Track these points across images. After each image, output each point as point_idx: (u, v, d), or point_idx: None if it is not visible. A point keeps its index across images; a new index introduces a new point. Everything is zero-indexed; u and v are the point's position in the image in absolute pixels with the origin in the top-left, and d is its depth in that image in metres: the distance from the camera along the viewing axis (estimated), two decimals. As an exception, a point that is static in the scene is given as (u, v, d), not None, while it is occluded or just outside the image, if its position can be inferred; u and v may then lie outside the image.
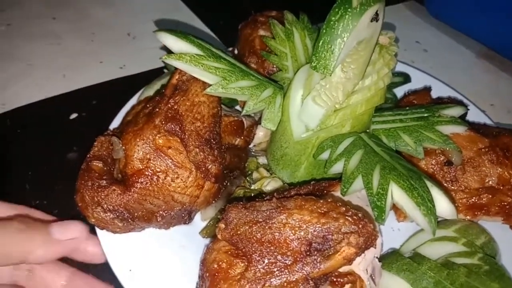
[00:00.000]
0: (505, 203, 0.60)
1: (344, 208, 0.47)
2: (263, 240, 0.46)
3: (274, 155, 0.69)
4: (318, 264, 0.44)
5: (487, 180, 0.61)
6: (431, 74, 0.89)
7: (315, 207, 0.47)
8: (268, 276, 0.45)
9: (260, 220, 0.47)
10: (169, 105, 0.59)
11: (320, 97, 0.61)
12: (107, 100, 0.76)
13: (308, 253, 0.45)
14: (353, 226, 0.45)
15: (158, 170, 0.56)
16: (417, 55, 1.08)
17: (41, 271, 0.54)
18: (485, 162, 0.62)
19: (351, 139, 0.59)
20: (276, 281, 0.45)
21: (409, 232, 0.64)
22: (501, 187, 0.60)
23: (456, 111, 0.66)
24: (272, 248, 0.46)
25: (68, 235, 0.54)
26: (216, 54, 0.62)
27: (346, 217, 0.46)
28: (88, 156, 0.59)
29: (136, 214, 0.57)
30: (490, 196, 0.61)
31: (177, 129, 0.58)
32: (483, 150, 0.62)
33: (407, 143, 0.62)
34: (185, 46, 0.61)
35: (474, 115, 0.78)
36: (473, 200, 0.61)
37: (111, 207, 0.55)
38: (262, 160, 0.74)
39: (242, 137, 0.68)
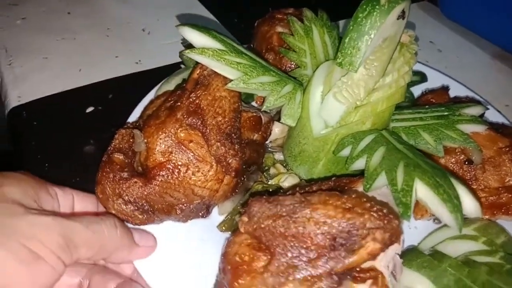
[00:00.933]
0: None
1: (369, 204, 0.47)
2: (286, 234, 0.46)
3: (292, 151, 0.69)
4: (342, 259, 0.44)
5: (507, 180, 0.61)
6: (447, 74, 0.89)
7: (339, 202, 0.47)
8: (291, 270, 0.45)
9: (284, 214, 0.47)
10: (191, 99, 0.59)
11: (341, 93, 0.61)
12: (123, 94, 0.76)
13: (332, 247, 0.45)
14: (378, 222, 0.45)
15: (179, 163, 0.56)
16: (432, 55, 1.08)
17: (100, 273, 0.53)
18: (506, 161, 0.61)
19: (373, 136, 0.59)
20: (299, 275, 0.45)
21: (426, 230, 0.64)
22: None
23: (475, 110, 0.66)
24: (295, 242, 0.46)
25: (147, 242, 0.55)
26: (238, 49, 0.62)
27: (371, 213, 0.46)
28: (109, 148, 0.59)
29: (156, 207, 0.57)
30: (510, 195, 0.61)
31: (198, 123, 0.58)
32: (503, 149, 0.62)
33: (427, 141, 0.62)
34: (208, 41, 0.61)
35: (491, 115, 0.77)
36: (492, 199, 0.61)
37: (132, 199, 0.55)
38: (278, 156, 0.74)
39: (260, 133, 0.68)
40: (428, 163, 0.53)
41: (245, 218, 0.49)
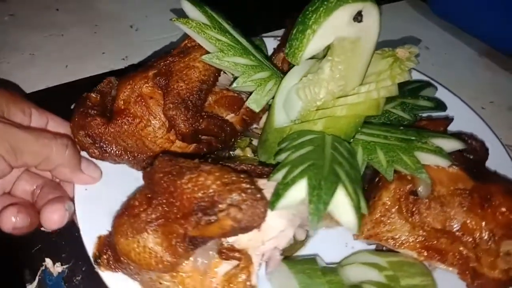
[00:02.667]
0: (462, 255, 0.53)
1: (246, 186, 0.48)
2: (167, 190, 0.50)
3: (260, 139, 0.71)
4: (197, 225, 0.47)
5: (449, 224, 0.55)
6: (432, 73, 0.85)
7: (223, 176, 0.49)
8: (157, 222, 0.49)
9: (174, 173, 0.51)
10: (166, 62, 0.65)
11: (302, 90, 0.61)
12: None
13: (195, 212, 0.47)
14: (241, 202, 0.46)
15: (135, 114, 0.63)
16: (420, 53, 1.07)
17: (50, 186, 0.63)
18: (455, 204, 0.55)
19: (312, 137, 0.58)
20: (160, 228, 0.48)
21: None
22: (463, 237, 0.54)
23: (450, 144, 0.59)
24: (170, 198, 0.49)
25: (91, 172, 0.63)
26: (223, 28, 0.66)
27: (241, 193, 0.47)
28: (93, 88, 0.69)
29: (111, 147, 0.64)
30: (449, 242, 0.54)
31: (163, 84, 0.64)
32: (461, 192, 0.56)
33: (380, 161, 0.59)
34: (198, 15, 0.66)
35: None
36: (430, 240, 0.56)
37: (92, 134, 0.64)
38: (256, 142, 0.76)
39: (237, 114, 0.71)
40: (338, 172, 0.50)
41: (147, 169, 0.54)
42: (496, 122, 0.82)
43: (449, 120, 0.69)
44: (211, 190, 0.47)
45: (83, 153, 0.65)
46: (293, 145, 0.57)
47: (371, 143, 0.61)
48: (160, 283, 0.50)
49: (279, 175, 0.51)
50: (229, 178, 0.49)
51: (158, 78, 0.64)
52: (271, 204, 0.47)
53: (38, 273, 0.62)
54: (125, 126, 0.63)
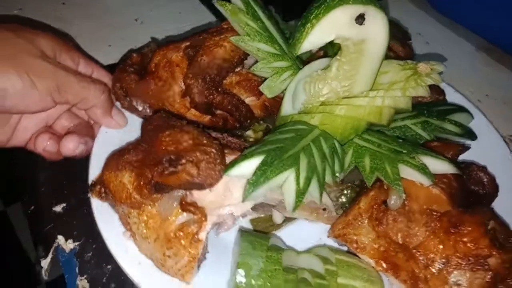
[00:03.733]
0: (414, 274, 0.52)
1: (211, 150, 0.53)
2: (151, 140, 0.57)
3: (274, 125, 0.74)
4: (162, 173, 0.53)
5: (409, 240, 0.54)
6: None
7: (197, 137, 0.55)
8: (135, 164, 0.56)
9: (164, 128, 0.58)
10: (200, 38, 0.72)
11: (308, 84, 0.64)
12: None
13: (162, 162, 0.53)
14: (201, 161, 0.51)
15: (161, 77, 0.71)
16: (419, 47, 1.10)
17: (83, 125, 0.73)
18: (422, 222, 0.54)
19: (300, 127, 0.61)
20: (135, 170, 0.55)
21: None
22: (419, 256, 0.52)
23: (440, 166, 0.57)
24: (151, 147, 0.56)
25: (119, 119, 0.73)
26: (256, 15, 0.71)
27: (204, 153, 0.52)
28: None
29: (137, 102, 0.73)
30: (405, 258, 0.53)
31: (191, 55, 0.71)
32: (431, 212, 0.54)
33: (364, 166, 0.60)
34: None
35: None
36: (390, 253, 0.55)
37: (124, 87, 0.73)
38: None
39: (258, 98, 0.76)
40: (300, 160, 0.53)
41: (146, 122, 0.61)
42: (492, 115, 0.86)
43: (463, 147, 0.66)
44: (181, 147, 0.53)
45: (117, 104, 0.75)
46: (279, 130, 0.60)
47: (362, 148, 0.62)
48: (129, 218, 0.57)
49: (248, 150, 0.55)
50: (201, 140, 0.54)
51: (188, 50, 0.71)
52: (225, 169, 0.51)
53: (51, 250, 0.65)
54: (151, 87, 0.72)
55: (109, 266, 0.62)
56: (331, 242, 0.64)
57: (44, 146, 0.66)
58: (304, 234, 0.65)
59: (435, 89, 0.83)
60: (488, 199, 0.64)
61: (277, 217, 0.65)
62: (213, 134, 0.60)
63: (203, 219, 0.54)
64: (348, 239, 0.59)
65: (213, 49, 0.71)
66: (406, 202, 0.56)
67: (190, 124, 0.59)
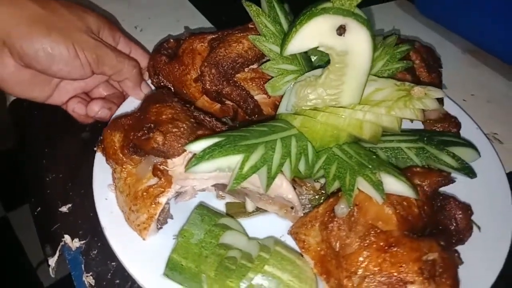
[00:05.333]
0: (339, 283, 0.54)
1: (183, 125, 0.60)
2: (143, 109, 0.66)
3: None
4: (139, 137, 0.61)
5: (343, 249, 0.55)
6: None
7: (177, 113, 0.63)
8: (125, 127, 0.65)
9: (153, 100, 0.66)
10: (225, 33, 0.80)
11: (300, 87, 0.68)
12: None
13: (143, 128, 0.61)
14: (169, 132, 0.59)
15: (183, 62, 0.80)
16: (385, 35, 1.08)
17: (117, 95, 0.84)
18: (359, 235, 0.55)
19: (278, 124, 0.65)
20: (124, 132, 0.65)
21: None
22: (344, 266, 0.54)
23: (400, 187, 0.58)
24: (140, 115, 0.65)
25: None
26: (277, 19, 0.76)
27: (174, 127, 0.59)
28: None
29: (163, 81, 0.83)
30: (335, 266, 0.55)
31: (213, 45, 0.78)
32: (372, 227, 0.55)
33: (329, 172, 0.62)
34: (264, 3, 0.78)
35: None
36: (327, 258, 0.57)
37: (155, 67, 0.83)
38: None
39: (269, 97, 0.81)
40: (255, 149, 0.57)
41: (148, 94, 0.70)
42: (477, 113, 0.92)
43: (446, 180, 0.64)
44: (161, 118, 0.61)
45: (149, 81, 0.86)
46: (259, 123, 0.65)
47: (335, 156, 0.64)
48: (115, 172, 0.67)
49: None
50: (179, 116, 0.61)
51: (212, 41, 0.79)
52: (187, 144, 0.57)
53: (58, 248, 0.67)
54: (175, 70, 0.81)
55: (113, 263, 0.64)
56: (291, 240, 0.67)
57: (73, 107, 0.78)
58: (270, 227, 0.68)
59: (450, 120, 0.80)
60: (459, 238, 0.62)
61: (249, 205, 0.70)
62: (202, 115, 0.67)
63: (168, 185, 0.61)
64: (298, 238, 0.61)
65: (232, 43, 0.77)
66: (355, 213, 0.57)
67: (191, 106, 0.66)
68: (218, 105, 0.80)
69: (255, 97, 0.80)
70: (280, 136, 0.62)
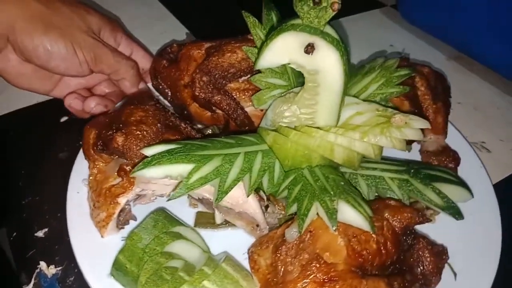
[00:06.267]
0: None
1: (147, 129, 0.60)
2: (121, 108, 0.67)
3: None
4: (106, 135, 0.62)
5: (283, 275, 0.52)
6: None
7: (148, 116, 0.63)
8: (101, 125, 0.67)
9: (133, 101, 0.67)
10: (223, 42, 0.80)
11: (279, 102, 0.66)
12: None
13: (112, 126, 0.63)
14: (131, 134, 0.59)
15: (179, 68, 0.80)
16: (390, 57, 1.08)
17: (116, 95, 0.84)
18: (303, 263, 0.52)
19: (249, 137, 0.63)
20: (99, 128, 0.66)
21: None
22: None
23: (355, 217, 0.54)
24: (116, 114, 0.66)
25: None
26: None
27: (137, 129, 0.60)
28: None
29: (161, 84, 0.84)
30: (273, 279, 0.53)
31: (209, 53, 0.78)
32: (319, 258, 0.52)
33: (292, 194, 0.60)
34: (264, 15, 0.77)
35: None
36: (272, 280, 0.55)
37: (156, 69, 0.85)
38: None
39: (261, 110, 0.79)
40: (209, 160, 0.56)
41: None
42: (463, 121, 0.92)
43: (419, 219, 0.59)
44: (130, 119, 0.62)
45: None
46: (229, 135, 0.64)
47: (302, 178, 0.61)
48: (88, 168, 0.68)
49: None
50: (148, 118, 0.62)
51: (209, 49, 0.79)
52: (144, 148, 0.57)
53: (34, 275, 0.65)
54: (171, 74, 0.82)
55: (91, 290, 0.60)
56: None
57: (70, 103, 0.81)
58: (235, 243, 0.67)
59: (448, 154, 0.75)
60: (425, 282, 0.57)
61: (218, 218, 0.68)
62: (178, 121, 0.67)
63: (129, 187, 0.62)
64: (251, 257, 0.59)
65: (226, 53, 0.77)
66: (306, 239, 0.54)
67: (183, 111, 0.68)
68: (209, 113, 0.80)
69: (247, 109, 0.79)
70: (245, 150, 0.60)
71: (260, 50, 0.60)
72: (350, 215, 0.54)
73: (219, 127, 0.82)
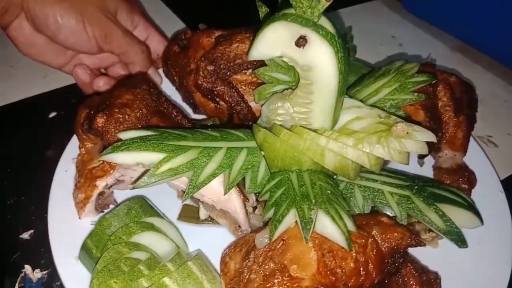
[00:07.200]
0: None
1: (130, 114, 0.59)
2: (111, 90, 0.65)
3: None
4: (91, 115, 0.61)
5: (246, 283, 0.49)
6: None
7: (134, 100, 0.61)
8: (92, 106, 0.65)
9: (124, 84, 0.65)
10: (234, 31, 0.76)
11: (274, 98, 0.62)
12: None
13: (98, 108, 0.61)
14: (112, 115, 0.58)
15: (187, 55, 0.78)
16: (392, 49, 1.12)
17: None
18: (265, 272, 0.48)
19: (237, 132, 0.60)
20: (88, 110, 0.65)
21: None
22: None
23: (333, 231, 0.49)
24: (107, 96, 0.65)
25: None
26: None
27: (120, 113, 0.58)
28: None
29: (170, 70, 0.82)
30: None
31: (219, 41, 0.75)
32: (285, 268, 0.48)
33: (273, 197, 0.55)
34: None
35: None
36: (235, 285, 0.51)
37: (168, 55, 0.83)
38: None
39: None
40: (191, 155, 0.53)
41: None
42: None
43: (411, 241, 0.53)
44: (117, 101, 0.61)
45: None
46: (215, 129, 0.61)
47: (287, 181, 0.57)
48: (78, 147, 0.67)
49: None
50: (134, 102, 0.61)
51: (218, 38, 0.76)
52: (121, 131, 0.55)
53: (18, 280, 0.62)
54: (180, 61, 0.80)
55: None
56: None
57: (78, 72, 0.81)
58: (217, 241, 0.63)
59: (463, 174, 0.67)
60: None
61: (202, 213, 0.65)
62: (171, 108, 0.65)
63: (109, 171, 0.60)
64: (223, 259, 0.56)
65: (234, 43, 0.74)
66: (277, 247, 0.50)
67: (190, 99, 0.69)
68: (212, 105, 0.77)
69: (251, 103, 0.76)
70: (229, 146, 0.57)
71: (253, 40, 0.56)
72: (327, 227, 0.49)
73: (216, 119, 0.79)
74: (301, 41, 0.49)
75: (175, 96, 0.84)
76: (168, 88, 0.86)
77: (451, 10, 1.08)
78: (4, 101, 0.90)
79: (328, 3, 0.47)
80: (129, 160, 0.51)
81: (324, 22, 0.49)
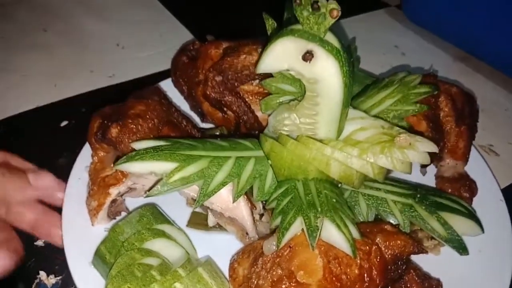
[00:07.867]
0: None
1: (143, 125, 0.61)
2: (126, 102, 0.68)
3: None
4: (105, 126, 0.63)
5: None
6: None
7: (146, 111, 0.63)
8: (105, 116, 0.68)
9: (138, 97, 0.68)
10: (242, 43, 0.78)
11: (281, 108, 0.64)
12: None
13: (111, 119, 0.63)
14: (126, 126, 0.60)
15: (195, 66, 0.80)
16: (395, 59, 1.14)
17: (17, 207, 0.65)
18: (272, 279, 0.50)
19: (245, 142, 0.62)
20: (102, 120, 0.67)
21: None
22: None
23: (338, 238, 0.51)
24: (121, 108, 0.67)
25: (41, 182, 0.69)
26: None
27: (133, 124, 0.60)
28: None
29: (180, 80, 0.85)
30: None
31: (227, 52, 0.78)
32: (292, 274, 0.50)
33: (279, 205, 0.57)
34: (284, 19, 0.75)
35: None
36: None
37: (177, 65, 0.85)
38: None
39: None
40: (197, 160, 0.55)
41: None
42: None
43: (414, 247, 0.55)
44: (130, 112, 0.63)
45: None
46: (224, 138, 0.63)
47: (294, 190, 0.59)
48: (91, 156, 0.69)
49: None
50: (146, 113, 0.63)
51: (226, 49, 0.79)
52: (136, 141, 0.57)
53: (33, 286, 0.63)
54: (188, 71, 0.82)
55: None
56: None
57: None
58: (225, 248, 0.65)
59: (465, 182, 0.69)
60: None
61: (210, 220, 0.67)
62: (180, 118, 0.67)
63: (122, 179, 0.62)
64: (231, 265, 0.58)
65: (241, 54, 0.76)
66: (284, 254, 0.52)
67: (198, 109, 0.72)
68: (219, 114, 0.79)
69: (257, 113, 0.78)
70: (237, 155, 0.59)
71: (261, 53, 0.58)
72: (333, 234, 0.51)
73: (229, 129, 0.81)
74: (307, 56, 0.52)
75: (184, 105, 0.86)
76: (176, 97, 0.88)
77: (453, 19, 1.10)
78: (16, 110, 0.92)
79: (333, 20, 0.49)
80: (143, 169, 0.53)
81: (330, 37, 0.52)
